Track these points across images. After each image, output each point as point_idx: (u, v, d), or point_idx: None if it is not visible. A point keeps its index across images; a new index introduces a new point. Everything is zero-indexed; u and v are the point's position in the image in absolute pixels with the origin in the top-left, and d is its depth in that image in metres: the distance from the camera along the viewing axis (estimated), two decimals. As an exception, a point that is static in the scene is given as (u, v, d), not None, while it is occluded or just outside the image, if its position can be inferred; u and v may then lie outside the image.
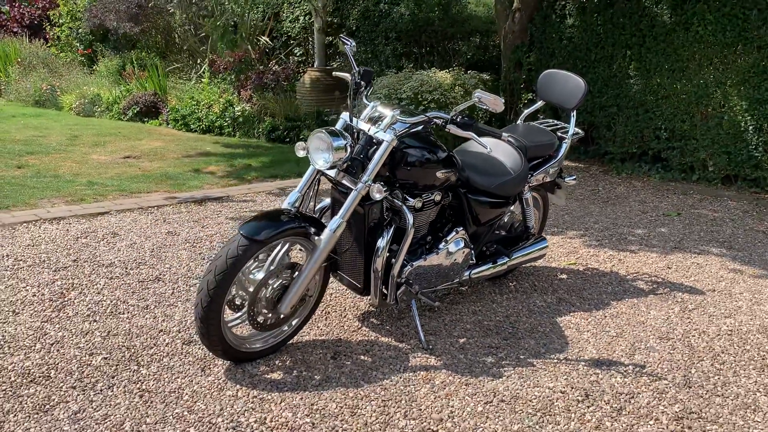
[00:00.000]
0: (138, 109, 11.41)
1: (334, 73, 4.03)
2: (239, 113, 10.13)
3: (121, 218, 5.55)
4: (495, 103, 3.09)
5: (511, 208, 4.10)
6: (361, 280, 3.48)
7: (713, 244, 5.41)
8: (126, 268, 4.42)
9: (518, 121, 4.57)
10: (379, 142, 3.26)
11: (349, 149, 3.22)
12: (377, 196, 3.20)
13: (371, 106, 3.44)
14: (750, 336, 3.76)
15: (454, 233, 3.70)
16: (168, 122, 10.91)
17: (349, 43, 3.62)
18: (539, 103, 4.53)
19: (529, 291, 4.30)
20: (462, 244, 3.72)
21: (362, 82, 3.52)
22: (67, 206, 5.91)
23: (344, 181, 3.31)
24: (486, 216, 3.88)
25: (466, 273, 3.86)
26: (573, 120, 4.36)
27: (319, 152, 3.24)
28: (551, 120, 4.59)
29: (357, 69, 3.53)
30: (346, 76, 3.64)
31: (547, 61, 8.47)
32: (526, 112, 4.55)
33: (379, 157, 3.22)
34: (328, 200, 3.62)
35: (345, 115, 3.47)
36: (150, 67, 12.33)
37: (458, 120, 3.24)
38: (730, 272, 4.77)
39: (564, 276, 4.58)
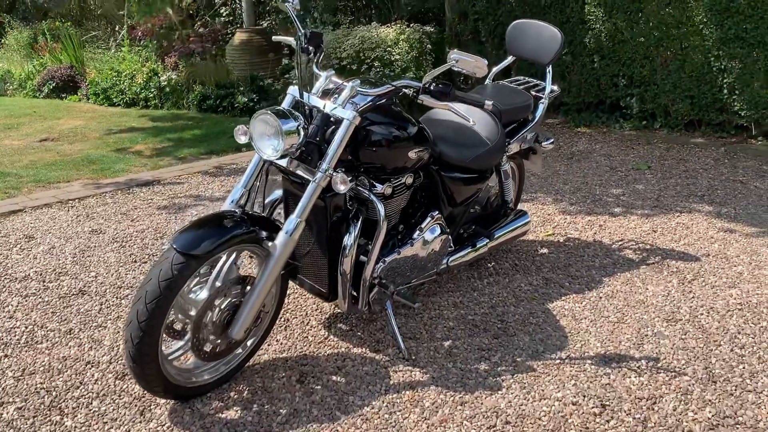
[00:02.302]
0: (54, 84, 10.44)
1: (274, 38, 3.40)
2: (165, 83, 9.31)
3: (38, 216, 4.84)
4: (477, 65, 2.54)
5: (488, 182, 3.59)
6: (326, 285, 2.93)
7: (693, 199, 5.03)
8: (44, 281, 3.76)
9: (486, 81, 4.02)
10: (338, 121, 2.68)
11: (302, 132, 2.63)
12: (342, 189, 2.63)
13: (324, 76, 2.85)
14: (762, 309, 3.37)
15: (429, 219, 3.17)
16: (88, 97, 10.00)
17: (291, 1, 2.99)
18: (509, 59, 3.99)
19: (510, 272, 3.82)
20: (438, 231, 3.20)
21: (310, 48, 2.92)
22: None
23: (299, 172, 2.73)
24: (463, 195, 3.36)
25: (444, 261, 3.36)
26: (549, 76, 3.84)
27: (266, 138, 2.64)
28: (523, 77, 4.06)
29: (303, 31, 2.92)
30: (290, 40, 3.03)
31: (495, 10, 7.92)
32: (495, 69, 4.01)
33: (339, 139, 2.64)
34: (279, 192, 3.03)
35: (293, 90, 2.86)
36: (64, 37, 11.32)
37: (432, 88, 2.68)
38: (720, 231, 4.39)
39: (545, 250, 4.12)
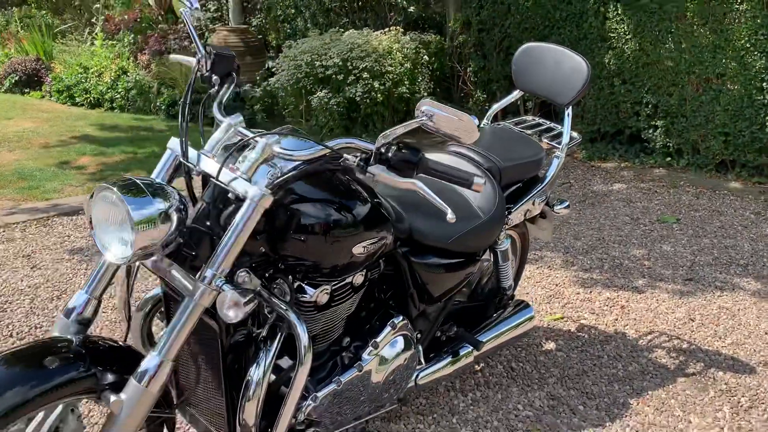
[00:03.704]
0: (17, 78, 9.44)
1: (171, 56, 2.43)
2: (132, 84, 8.35)
3: None
4: (462, 127, 1.58)
5: (478, 265, 2.61)
6: (225, 428, 1.96)
7: (734, 270, 4.05)
8: None
9: (483, 121, 3.03)
10: (240, 200, 1.73)
11: (175, 217, 1.68)
12: (231, 316, 1.65)
13: (227, 123, 1.87)
14: None
15: (388, 328, 2.19)
16: (51, 94, 9.04)
17: (190, 3, 1.99)
18: (515, 94, 3.00)
19: (504, 382, 2.85)
20: (402, 345, 2.23)
21: (214, 77, 1.96)
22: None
23: (174, 278, 1.76)
24: (441, 288, 2.39)
25: (412, 379, 2.39)
26: (568, 121, 2.86)
27: (110, 232, 1.68)
28: (531, 117, 3.09)
29: (203, 52, 1.95)
30: (190, 60, 2.04)
31: (501, 20, 6.93)
32: (496, 107, 3.02)
33: (236, 231, 1.66)
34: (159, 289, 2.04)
35: (175, 144, 1.90)
36: (33, 26, 10.36)
37: (391, 155, 1.71)
38: (775, 323, 3.43)
39: (551, 345, 3.16)
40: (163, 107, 8.02)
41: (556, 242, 4.38)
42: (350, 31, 7.42)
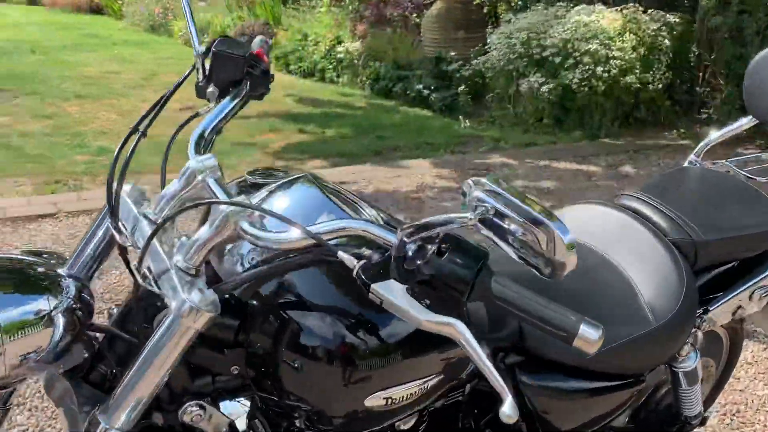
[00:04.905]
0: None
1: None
2: (342, 54, 8.00)
3: (50, 228, 3.73)
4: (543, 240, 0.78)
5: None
6: None
7: None
8: None
9: (689, 158, 2.03)
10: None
11: (62, 320, 0.98)
12: None
13: (190, 170, 1.09)
14: None
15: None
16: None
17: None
18: (744, 121, 1.97)
19: None
20: None
21: (210, 88, 1.27)
22: (24, 198, 4.20)
23: (69, 406, 1.11)
24: (571, 422, 1.54)
25: None
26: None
27: None
28: (759, 151, 2.05)
29: (199, 50, 1.27)
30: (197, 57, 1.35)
31: (774, -1, 5.53)
32: (715, 136, 1.98)
33: (143, 370, 0.94)
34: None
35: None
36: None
37: (421, 262, 0.90)
38: None
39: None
40: (368, 82, 7.59)
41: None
42: (580, 6, 6.40)
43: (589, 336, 0.88)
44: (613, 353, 1.49)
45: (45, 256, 1.16)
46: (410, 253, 0.90)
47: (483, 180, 0.84)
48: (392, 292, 0.91)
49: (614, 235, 1.68)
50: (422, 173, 4.79)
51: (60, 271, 1.09)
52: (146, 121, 1.18)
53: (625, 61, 5.75)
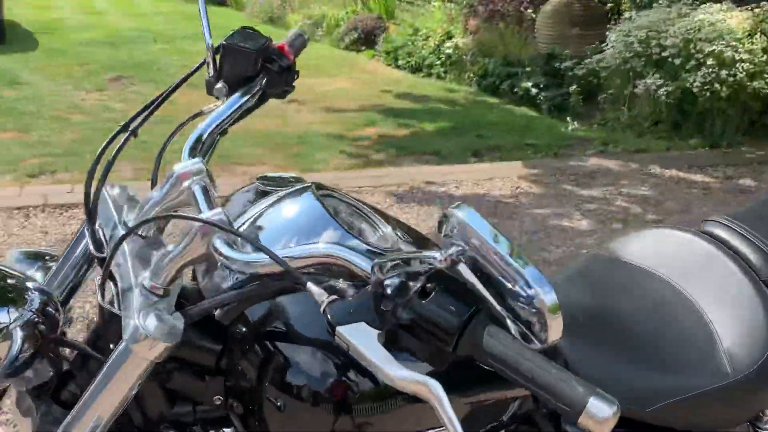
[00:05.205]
0: (356, 36, 9.55)
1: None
2: (451, 50, 7.82)
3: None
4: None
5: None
6: None
7: None
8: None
9: None
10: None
11: (18, 335, 0.89)
12: None
13: (175, 175, 0.97)
14: None
15: None
16: (380, 54, 8.97)
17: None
18: None
19: None
20: None
21: (219, 84, 1.14)
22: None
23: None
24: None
25: None
26: None
27: None
28: None
29: (210, 44, 1.15)
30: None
31: None
32: None
33: (91, 399, 0.86)
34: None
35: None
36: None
37: (400, 301, 0.75)
38: None
39: None
40: (475, 79, 7.37)
41: None
42: (707, 5, 5.94)
43: (598, 412, 0.69)
44: (677, 407, 1.28)
45: (35, 261, 1.08)
46: (389, 291, 0.75)
47: (457, 211, 0.68)
48: (362, 338, 0.75)
49: (695, 268, 1.45)
50: (519, 177, 4.55)
51: (28, 283, 1.01)
52: (138, 120, 1.08)
53: (755, 64, 5.28)
